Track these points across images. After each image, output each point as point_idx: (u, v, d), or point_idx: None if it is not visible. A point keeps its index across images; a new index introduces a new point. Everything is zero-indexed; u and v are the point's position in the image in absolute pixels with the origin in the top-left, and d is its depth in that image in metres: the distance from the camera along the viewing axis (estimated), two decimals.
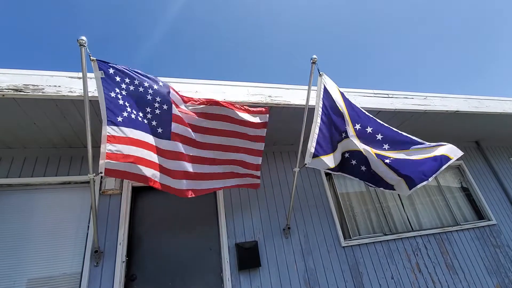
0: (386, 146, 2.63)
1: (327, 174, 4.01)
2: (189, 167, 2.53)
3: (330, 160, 2.59)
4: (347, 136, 2.62)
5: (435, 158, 2.66)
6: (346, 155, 2.72)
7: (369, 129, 2.67)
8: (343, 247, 3.45)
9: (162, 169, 2.39)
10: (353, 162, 2.72)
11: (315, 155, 2.55)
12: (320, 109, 2.62)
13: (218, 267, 3.04)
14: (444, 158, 2.70)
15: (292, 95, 3.14)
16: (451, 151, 2.77)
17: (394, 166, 2.52)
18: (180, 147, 2.44)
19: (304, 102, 2.89)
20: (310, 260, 3.26)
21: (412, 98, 3.73)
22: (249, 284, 2.96)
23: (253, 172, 3.00)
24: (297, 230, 3.42)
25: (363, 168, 2.71)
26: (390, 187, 2.71)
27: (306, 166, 2.64)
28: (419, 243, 3.79)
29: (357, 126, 2.66)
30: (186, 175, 2.54)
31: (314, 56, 2.69)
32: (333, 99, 2.68)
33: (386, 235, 3.73)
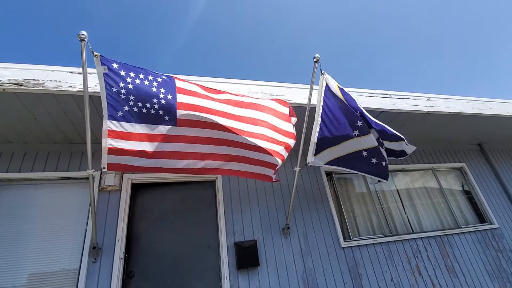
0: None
1: (328, 174, 3.98)
2: (201, 148, 2.53)
3: (330, 155, 2.60)
4: (362, 134, 2.60)
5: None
6: (364, 153, 2.69)
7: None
8: (343, 248, 3.42)
9: (172, 154, 2.40)
10: (375, 161, 2.72)
11: (316, 153, 2.54)
12: (321, 108, 2.61)
13: (216, 266, 3.02)
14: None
15: (294, 94, 3.12)
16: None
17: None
18: (192, 131, 2.44)
19: (305, 101, 2.87)
20: (309, 261, 3.24)
21: (415, 99, 3.70)
22: (248, 283, 2.95)
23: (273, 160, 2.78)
24: (297, 230, 3.40)
25: (382, 162, 2.73)
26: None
27: (308, 165, 2.62)
28: (419, 245, 3.76)
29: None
30: (201, 156, 2.55)
31: (317, 55, 2.66)
32: (339, 98, 2.66)
33: (386, 236, 3.70)
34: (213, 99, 2.54)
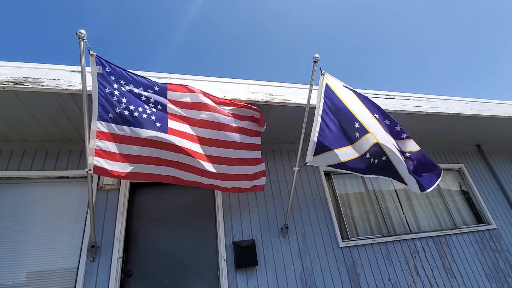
0: (404, 135, 2.84)
1: (326, 174, 3.99)
2: (190, 161, 2.52)
3: (331, 157, 2.58)
4: (361, 135, 2.59)
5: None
6: (367, 155, 2.64)
7: (388, 121, 2.78)
8: (341, 247, 3.43)
9: (160, 161, 2.40)
10: (372, 160, 2.68)
11: (316, 153, 2.54)
12: (321, 108, 2.61)
13: (214, 265, 3.03)
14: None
15: (293, 94, 3.12)
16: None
17: (413, 159, 2.75)
18: (181, 141, 2.43)
19: (305, 101, 2.88)
20: (308, 260, 3.25)
21: (414, 100, 3.71)
22: (246, 283, 2.95)
23: (258, 171, 2.97)
24: (295, 230, 3.41)
25: (375, 161, 2.68)
26: (402, 180, 2.83)
27: (307, 164, 2.62)
28: (417, 245, 3.77)
29: (377, 115, 2.71)
30: (189, 168, 2.53)
31: (316, 55, 2.67)
32: (339, 98, 2.66)
33: (384, 236, 3.71)
34: (208, 108, 2.55)
